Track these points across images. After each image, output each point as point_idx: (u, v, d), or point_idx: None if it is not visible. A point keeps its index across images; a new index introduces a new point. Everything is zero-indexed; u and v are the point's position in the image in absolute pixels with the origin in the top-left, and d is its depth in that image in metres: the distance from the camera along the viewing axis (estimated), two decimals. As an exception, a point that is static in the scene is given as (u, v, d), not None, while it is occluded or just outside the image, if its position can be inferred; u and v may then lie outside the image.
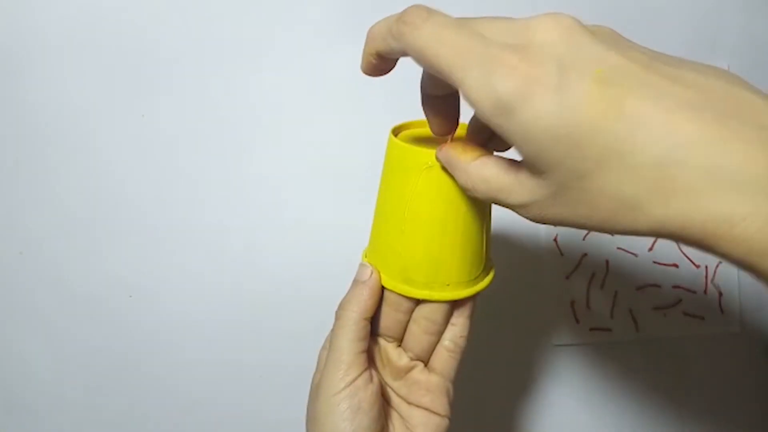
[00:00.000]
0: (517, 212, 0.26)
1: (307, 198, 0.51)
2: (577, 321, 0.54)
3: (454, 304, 0.36)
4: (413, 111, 0.49)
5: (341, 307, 0.35)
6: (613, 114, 0.21)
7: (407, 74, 0.51)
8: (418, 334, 0.36)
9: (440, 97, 0.30)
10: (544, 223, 0.26)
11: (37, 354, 0.51)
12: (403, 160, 0.32)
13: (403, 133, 0.35)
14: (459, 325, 0.36)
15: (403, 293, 0.34)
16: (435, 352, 0.37)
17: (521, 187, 0.25)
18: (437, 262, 0.33)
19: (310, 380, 0.36)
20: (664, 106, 0.20)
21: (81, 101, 0.49)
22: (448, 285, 0.34)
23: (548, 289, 0.53)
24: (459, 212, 0.32)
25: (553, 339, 0.54)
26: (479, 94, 0.22)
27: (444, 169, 0.30)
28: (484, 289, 0.35)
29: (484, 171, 0.27)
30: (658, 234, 0.21)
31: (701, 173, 0.19)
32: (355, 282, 0.36)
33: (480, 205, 0.32)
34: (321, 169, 0.51)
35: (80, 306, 0.51)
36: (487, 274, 0.36)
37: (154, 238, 0.51)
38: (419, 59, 0.25)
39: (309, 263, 0.51)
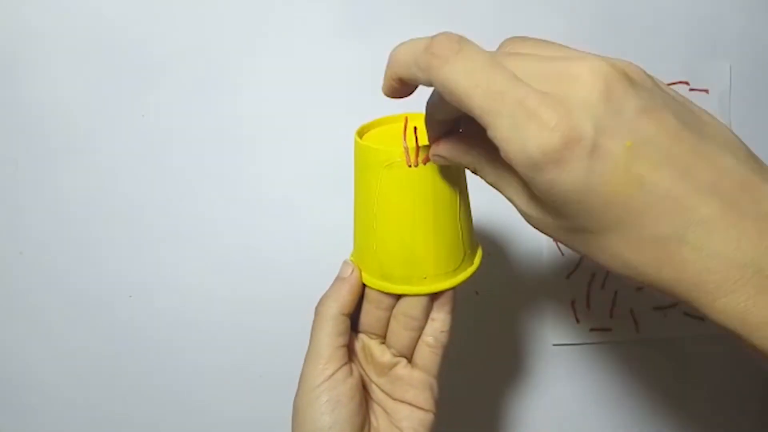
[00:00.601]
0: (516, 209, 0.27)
1: (308, 198, 0.51)
2: (577, 321, 0.54)
3: (433, 299, 0.36)
4: (412, 110, 0.49)
5: (321, 302, 0.36)
6: (635, 188, 0.21)
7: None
8: (398, 330, 0.36)
9: (448, 121, 0.29)
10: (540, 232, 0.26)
11: (37, 354, 0.51)
12: (366, 160, 0.33)
13: (371, 132, 0.36)
14: (439, 320, 0.36)
15: (381, 289, 0.35)
16: (417, 348, 0.37)
17: (528, 207, 0.25)
18: (411, 257, 0.33)
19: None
20: (683, 188, 0.21)
21: (81, 101, 0.49)
22: (425, 278, 0.34)
23: (548, 288, 0.53)
24: (427, 206, 0.32)
25: (553, 338, 0.54)
26: (510, 145, 0.22)
27: (406, 164, 0.31)
28: (466, 280, 0.35)
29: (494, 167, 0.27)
30: (648, 287, 0.23)
31: (699, 253, 0.21)
32: (336, 278, 0.37)
33: (452, 196, 0.33)
34: (321, 169, 0.51)
35: (80, 306, 0.51)
36: (471, 263, 0.36)
37: (153, 238, 0.51)
38: (447, 95, 0.23)
39: (309, 264, 0.51)
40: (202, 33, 0.50)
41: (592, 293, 0.53)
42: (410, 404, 0.36)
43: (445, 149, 0.29)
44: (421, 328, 0.36)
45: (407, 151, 0.31)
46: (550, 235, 0.26)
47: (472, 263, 0.36)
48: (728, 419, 0.57)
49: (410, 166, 0.31)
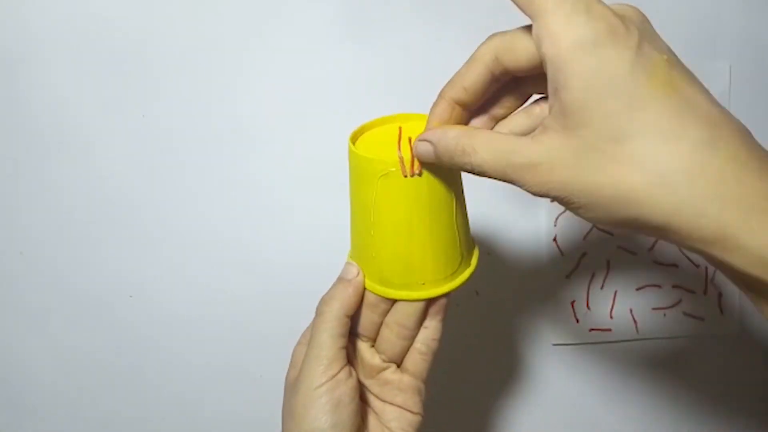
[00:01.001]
0: (520, 181, 0.26)
1: (308, 199, 0.51)
2: (577, 321, 0.54)
3: (428, 306, 0.36)
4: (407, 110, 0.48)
5: (323, 302, 0.36)
6: (672, 91, 0.24)
7: (407, 77, 0.51)
8: (390, 338, 0.36)
9: (497, 80, 0.29)
10: (542, 194, 0.26)
11: (37, 354, 0.51)
12: (360, 169, 0.32)
13: (366, 135, 0.35)
14: (431, 328, 0.37)
15: (381, 294, 0.35)
16: (407, 354, 0.37)
17: (537, 145, 0.25)
18: (409, 263, 0.33)
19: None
20: (708, 98, 0.25)
21: (81, 101, 0.49)
22: (423, 284, 0.34)
23: (548, 288, 0.53)
24: (423, 214, 0.32)
25: (553, 338, 0.54)
26: (560, 28, 0.24)
27: (401, 174, 0.31)
28: (464, 283, 0.35)
29: (491, 135, 0.28)
30: (658, 229, 0.24)
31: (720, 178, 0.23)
32: (340, 279, 0.36)
33: (448, 202, 0.33)
34: (321, 169, 0.51)
35: (80, 306, 0.51)
36: (468, 265, 0.36)
37: (154, 238, 0.51)
38: None
39: (309, 264, 0.51)
40: (203, 33, 0.50)
41: (591, 293, 0.53)
42: (399, 407, 0.36)
43: (441, 133, 0.29)
44: (413, 337, 0.37)
45: (402, 162, 0.31)
46: (550, 186, 0.25)
47: (470, 265, 0.36)
48: (728, 419, 0.57)
49: (405, 176, 0.31)
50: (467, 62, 0.29)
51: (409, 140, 0.32)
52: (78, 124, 0.50)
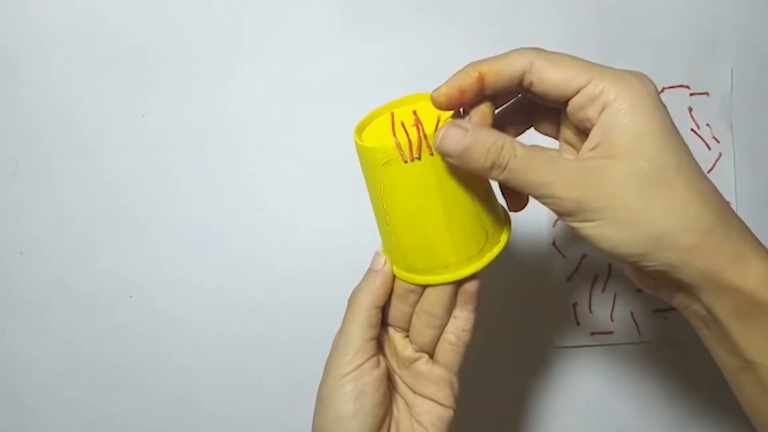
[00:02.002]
0: (555, 193, 0.29)
1: (308, 200, 0.51)
2: (578, 323, 0.53)
3: (456, 293, 0.35)
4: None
5: (354, 294, 0.36)
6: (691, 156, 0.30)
7: (408, 76, 0.51)
8: (420, 328, 0.36)
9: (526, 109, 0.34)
10: (571, 208, 0.28)
11: (37, 354, 0.51)
12: (365, 159, 0.32)
13: (376, 122, 0.35)
14: (462, 318, 0.36)
15: (407, 280, 0.35)
16: (438, 345, 0.37)
17: (583, 162, 0.29)
18: (429, 247, 0.33)
19: (311, 383, 0.36)
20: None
21: (81, 101, 0.49)
22: (447, 267, 0.33)
23: (549, 291, 0.53)
24: (432, 196, 0.31)
25: (554, 341, 0.54)
26: (623, 81, 0.29)
27: (401, 160, 0.30)
28: (492, 261, 0.34)
29: (534, 149, 0.30)
30: (681, 250, 0.28)
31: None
32: (369, 271, 0.36)
33: (462, 180, 0.32)
34: (321, 171, 0.51)
35: (80, 306, 0.51)
36: (496, 242, 0.35)
37: (154, 238, 0.51)
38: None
39: (310, 266, 0.51)
40: (203, 33, 0.50)
41: (593, 296, 0.53)
42: (430, 399, 0.36)
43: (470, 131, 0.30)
44: (443, 327, 0.36)
45: (400, 148, 0.30)
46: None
47: (498, 242, 0.35)
48: (729, 421, 0.56)
49: (406, 161, 0.30)
50: (506, 53, 0.31)
51: (402, 124, 0.31)
52: (78, 124, 0.50)
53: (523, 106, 0.35)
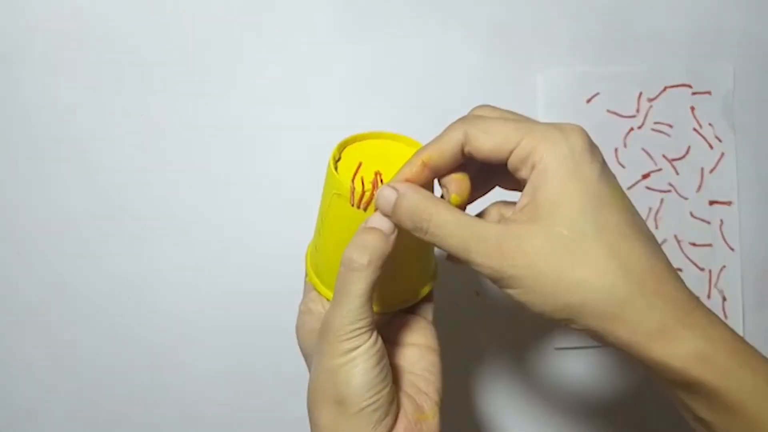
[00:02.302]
0: (479, 255, 0.29)
1: (308, 200, 0.51)
2: (579, 324, 0.53)
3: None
4: (412, 117, 0.49)
5: (357, 252, 0.32)
6: (626, 202, 0.30)
7: (407, 77, 0.51)
8: None
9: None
10: (493, 272, 0.29)
11: (37, 354, 0.51)
12: (327, 178, 0.34)
13: (355, 145, 0.36)
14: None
15: (320, 292, 0.37)
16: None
17: (503, 227, 0.29)
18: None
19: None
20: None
21: (80, 101, 0.49)
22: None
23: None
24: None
25: (554, 342, 0.54)
26: (546, 145, 0.29)
27: (349, 201, 0.32)
28: (395, 309, 0.36)
29: (459, 211, 0.30)
30: (602, 318, 0.28)
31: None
32: (373, 230, 0.32)
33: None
34: (321, 171, 0.51)
35: (80, 306, 0.51)
36: (414, 295, 0.37)
37: (154, 237, 0.51)
38: None
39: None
40: (201, 32, 0.50)
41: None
42: (415, 345, 0.36)
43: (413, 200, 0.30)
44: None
45: (353, 193, 0.32)
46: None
47: (417, 294, 0.37)
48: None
49: (352, 205, 0.32)
50: (443, 132, 0.31)
51: (362, 179, 0.33)
52: (77, 124, 0.50)
53: (482, 168, 0.34)
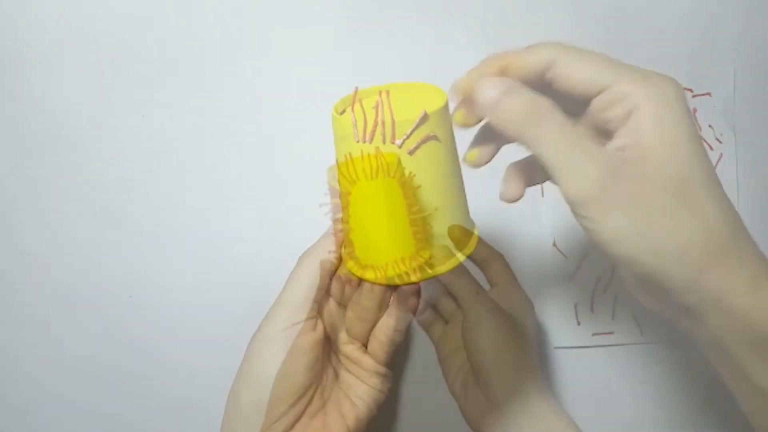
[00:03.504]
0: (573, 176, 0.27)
1: (308, 200, 0.51)
2: (579, 324, 0.53)
3: (391, 292, 0.35)
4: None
5: (305, 253, 0.36)
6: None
7: (407, 76, 0.51)
8: (350, 316, 0.36)
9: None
10: (582, 195, 0.27)
11: (37, 354, 0.51)
12: (335, 139, 0.31)
13: (363, 101, 0.32)
14: (394, 316, 0.36)
15: (351, 270, 0.33)
16: (371, 338, 0.37)
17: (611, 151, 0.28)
18: (367, 240, 0.31)
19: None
20: None
21: (81, 102, 0.49)
22: (385, 265, 0.31)
23: (550, 291, 0.53)
24: (379, 208, 0.30)
25: (555, 341, 0.54)
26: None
27: (353, 138, 0.29)
28: (422, 280, 0.31)
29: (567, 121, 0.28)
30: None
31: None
32: (325, 234, 0.36)
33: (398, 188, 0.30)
34: (321, 171, 0.51)
35: (80, 306, 0.51)
36: (442, 263, 0.31)
37: (154, 238, 0.51)
38: None
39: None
40: (203, 33, 0.50)
41: (594, 296, 0.53)
42: (360, 380, 0.36)
43: None
44: (373, 321, 0.36)
45: (355, 126, 0.29)
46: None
47: (441, 264, 0.32)
48: (731, 423, 0.56)
49: (357, 141, 0.29)
50: (528, 48, 0.29)
51: (361, 103, 0.30)
52: (78, 125, 0.50)
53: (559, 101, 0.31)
